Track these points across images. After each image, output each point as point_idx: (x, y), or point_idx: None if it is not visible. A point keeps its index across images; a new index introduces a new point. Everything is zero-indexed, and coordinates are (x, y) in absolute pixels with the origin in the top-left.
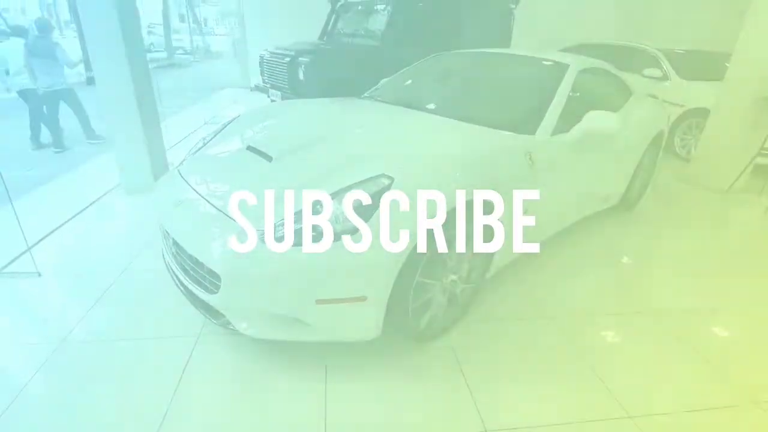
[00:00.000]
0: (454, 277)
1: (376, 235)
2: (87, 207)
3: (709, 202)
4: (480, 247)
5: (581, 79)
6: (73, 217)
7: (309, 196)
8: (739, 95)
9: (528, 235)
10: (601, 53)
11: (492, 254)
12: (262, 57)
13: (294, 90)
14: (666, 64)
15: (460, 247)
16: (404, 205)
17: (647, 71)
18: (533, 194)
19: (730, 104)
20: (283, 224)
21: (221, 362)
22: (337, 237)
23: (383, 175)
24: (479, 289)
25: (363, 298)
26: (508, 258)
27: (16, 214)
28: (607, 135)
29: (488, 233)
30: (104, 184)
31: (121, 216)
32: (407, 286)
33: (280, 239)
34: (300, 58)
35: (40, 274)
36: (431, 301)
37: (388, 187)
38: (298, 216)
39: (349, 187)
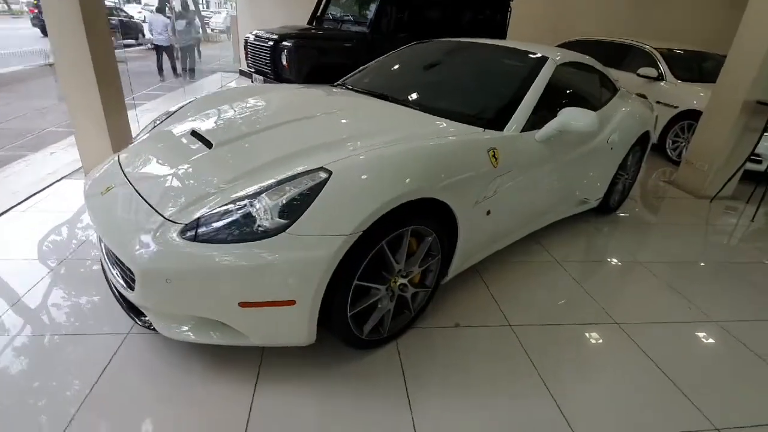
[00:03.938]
0: (403, 280)
1: (306, 234)
2: (42, 190)
3: (694, 209)
4: (433, 249)
5: (561, 74)
6: (25, 200)
7: (239, 189)
8: (731, 98)
9: (492, 236)
10: (597, 50)
11: (450, 256)
12: (246, 40)
13: (277, 75)
14: (662, 64)
15: (409, 248)
16: (341, 202)
17: (642, 70)
18: (495, 193)
19: (721, 107)
20: (207, 219)
21: (146, 362)
22: (263, 235)
23: (321, 169)
24: (435, 293)
25: (291, 302)
26: (470, 261)
27: None
28: (582, 133)
29: (444, 235)
30: (66, 168)
31: (75, 202)
32: (343, 290)
33: (201, 235)
34: (283, 43)
35: None
36: (375, 306)
37: (324, 182)
38: (223, 210)
39: (283, 181)
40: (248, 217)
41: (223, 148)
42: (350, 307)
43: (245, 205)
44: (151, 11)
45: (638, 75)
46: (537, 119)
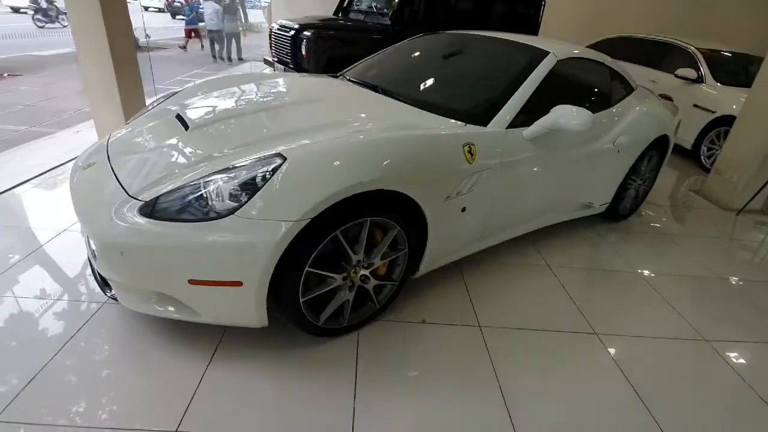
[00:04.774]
0: (364, 272)
1: (253, 218)
2: (59, 165)
3: (717, 222)
4: (399, 242)
5: (564, 70)
6: (42, 174)
7: (201, 171)
8: (765, 104)
9: (471, 235)
10: (635, 48)
11: (422, 251)
12: (271, 30)
13: (297, 65)
14: (703, 65)
15: (373, 240)
16: (291, 188)
17: (680, 71)
18: (471, 190)
19: (754, 114)
20: (164, 198)
21: (114, 329)
22: (212, 216)
23: (278, 155)
24: (402, 287)
25: (238, 283)
26: (447, 258)
27: None
28: (574, 133)
29: (411, 229)
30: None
31: None
32: (293, 276)
33: (157, 213)
34: (303, 33)
35: None
36: (332, 295)
37: (277, 167)
38: (180, 190)
39: (239, 165)
40: (201, 199)
41: (197, 131)
42: (303, 294)
43: (199, 187)
44: None
45: (676, 76)
46: (530, 116)
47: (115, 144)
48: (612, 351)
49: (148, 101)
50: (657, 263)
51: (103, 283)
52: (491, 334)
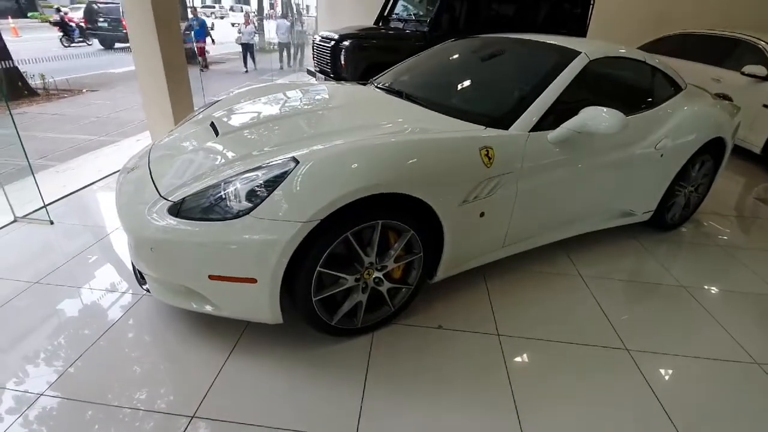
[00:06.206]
0: (378, 274)
1: (265, 218)
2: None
3: None
4: (414, 246)
5: (598, 71)
6: (102, 178)
7: (224, 174)
8: None
9: (492, 240)
10: (698, 44)
11: (439, 255)
12: (313, 41)
13: (336, 74)
14: None
15: (387, 243)
16: (302, 190)
17: (748, 68)
18: (490, 195)
19: None
20: (190, 198)
21: (149, 322)
22: (230, 216)
23: (292, 159)
24: (418, 292)
25: (253, 280)
26: (468, 264)
27: (36, 181)
28: (606, 136)
29: (426, 233)
30: None
31: None
32: (305, 275)
33: (183, 213)
34: (342, 43)
35: (52, 223)
36: (344, 296)
37: (291, 170)
38: (204, 192)
39: (257, 167)
40: (221, 199)
41: (226, 137)
42: (316, 293)
43: (220, 189)
44: (278, 16)
45: (743, 73)
46: (560, 120)
47: (156, 150)
48: (644, 369)
49: None
50: (707, 277)
51: (140, 277)
52: (510, 344)
